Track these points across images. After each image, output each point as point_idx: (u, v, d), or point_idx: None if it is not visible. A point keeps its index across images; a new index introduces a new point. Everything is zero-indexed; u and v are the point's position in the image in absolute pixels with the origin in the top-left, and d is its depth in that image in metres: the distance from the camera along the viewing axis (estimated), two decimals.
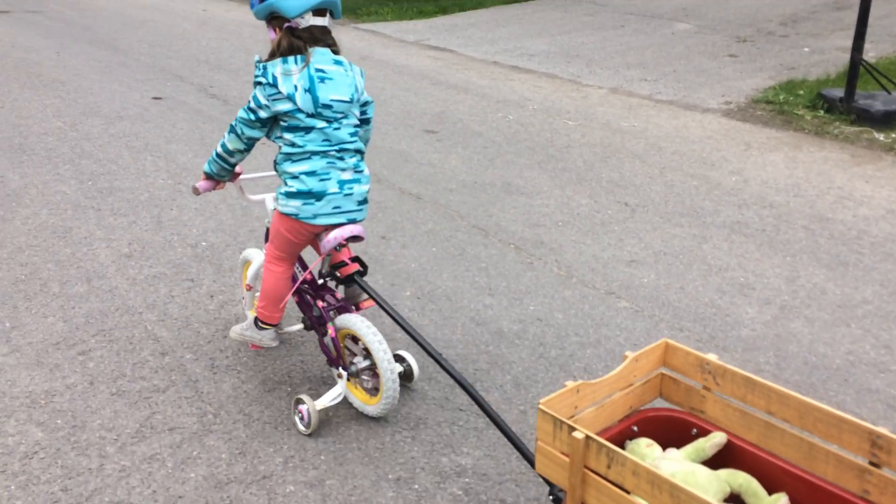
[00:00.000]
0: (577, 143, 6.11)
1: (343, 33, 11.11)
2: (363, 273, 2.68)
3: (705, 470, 1.84)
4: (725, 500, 1.83)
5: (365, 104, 2.72)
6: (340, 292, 2.92)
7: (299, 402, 2.72)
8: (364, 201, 2.66)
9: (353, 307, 2.80)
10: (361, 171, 2.64)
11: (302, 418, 2.72)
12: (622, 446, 2.00)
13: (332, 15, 2.56)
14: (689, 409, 2.09)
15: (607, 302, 3.70)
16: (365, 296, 2.79)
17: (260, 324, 2.86)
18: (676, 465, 1.83)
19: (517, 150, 5.94)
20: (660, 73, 8.44)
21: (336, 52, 2.59)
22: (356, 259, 2.69)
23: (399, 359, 2.95)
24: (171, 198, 4.77)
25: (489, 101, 7.39)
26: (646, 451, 1.92)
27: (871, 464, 1.71)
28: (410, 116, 6.78)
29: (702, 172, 5.48)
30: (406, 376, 2.96)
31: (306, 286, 2.89)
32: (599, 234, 4.47)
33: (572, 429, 1.73)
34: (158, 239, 4.20)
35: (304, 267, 2.91)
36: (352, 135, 2.60)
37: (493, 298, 3.71)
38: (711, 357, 2.01)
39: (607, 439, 1.90)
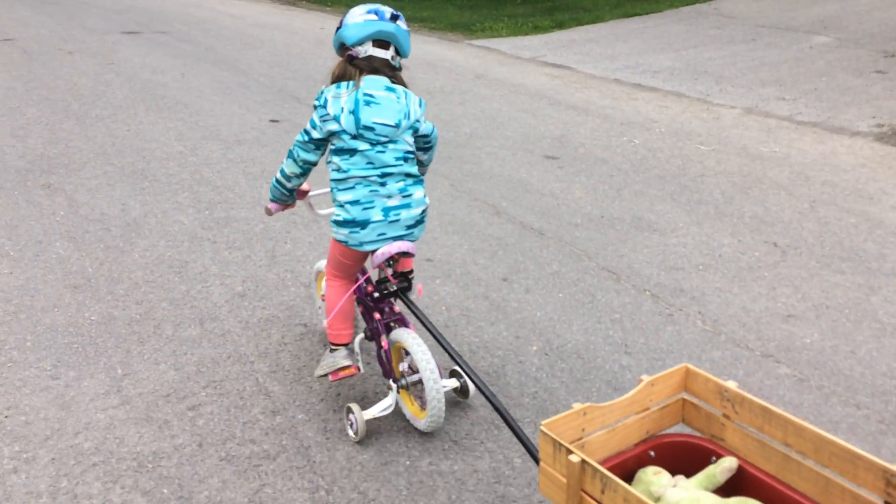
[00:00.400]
0: (713, 172, 5.58)
1: (457, 50, 10.89)
2: (407, 289, 2.77)
3: (712, 497, 1.77)
4: None
5: (424, 135, 2.75)
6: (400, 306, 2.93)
7: (349, 410, 2.76)
8: (415, 224, 2.68)
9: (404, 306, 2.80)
10: (410, 196, 2.64)
11: (351, 425, 2.76)
12: (635, 472, 1.95)
13: (398, 52, 2.67)
14: (709, 437, 2.03)
15: (765, 367, 3.22)
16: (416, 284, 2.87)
17: (331, 346, 2.85)
18: (683, 492, 1.78)
19: (646, 179, 5.48)
20: (799, 91, 7.74)
21: (396, 82, 2.65)
22: (402, 275, 2.78)
23: (456, 374, 2.97)
24: (286, 230, 4.59)
25: (612, 122, 6.94)
26: (653, 478, 1.86)
27: (887, 503, 1.65)
28: (529, 140, 6.42)
29: (859, 207, 4.85)
30: (462, 392, 2.96)
31: (368, 297, 2.92)
32: (747, 280, 3.96)
33: (570, 451, 1.73)
34: (272, 276, 4.01)
35: (367, 279, 2.93)
36: (398, 159, 2.60)
37: (630, 357, 3.29)
38: (731, 384, 1.95)
39: (621, 463, 1.91)
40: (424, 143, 2.78)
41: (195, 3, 16.36)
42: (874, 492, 1.65)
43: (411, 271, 2.86)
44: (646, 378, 2.00)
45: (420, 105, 2.68)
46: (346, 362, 2.79)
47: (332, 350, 2.84)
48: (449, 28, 13.02)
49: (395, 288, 2.73)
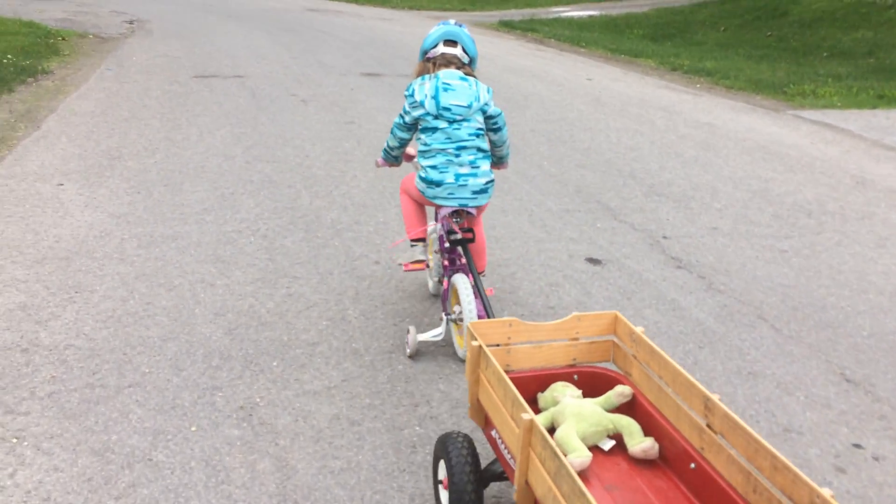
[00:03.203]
0: None
1: (787, 126, 7.66)
2: (470, 240, 3.07)
3: (593, 406, 2.06)
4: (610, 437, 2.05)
5: (492, 116, 3.10)
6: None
7: (408, 331, 3.10)
8: (480, 191, 3.06)
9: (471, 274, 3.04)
10: (477, 167, 3.04)
11: (406, 343, 3.11)
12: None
13: (465, 51, 3.13)
14: (624, 373, 2.25)
15: None
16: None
17: (411, 242, 3.33)
18: (574, 401, 2.08)
19: None
20: None
21: (468, 74, 3.09)
22: (468, 230, 3.09)
23: None
24: None
25: None
26: (560, 388, 2.16)
27: (707, 425, 1.86)
28: None
29: None
30: None
31: (443, 248, 3.22)
32: None
33: (475, 338, 2.09)
34: None
35: (447, 238, 3.13)
36: (470, 135, 3.02)
37: None
38: (638, 329, 2.17)
39: (549, 376, 2.23)
40: (493, 124, 3.12)
41: None
42: (698, 412, 1.89)
43: (481, 272, 3.27)
44: (576, 313, 2.28)
45: (488, 92, 3.08)
46: (421, 257, 3.31)
47: (412, 245, 3.33)
48: (751, 88, 9.76)
49: (460, 237, 3.06)
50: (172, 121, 6.86)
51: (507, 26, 15.98)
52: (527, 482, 1.80)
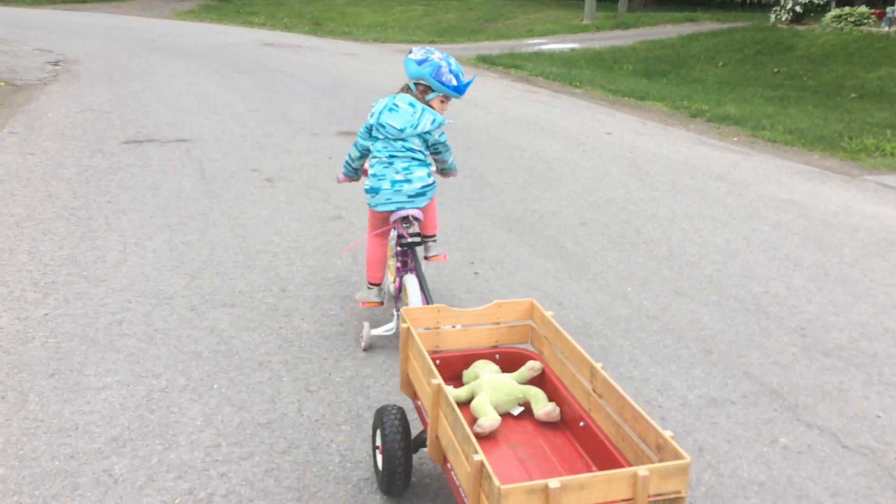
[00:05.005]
0: None
1: (873, 197, 5.92)
2: (417, 244, 3.31)
3: (507, 378, 2.36)
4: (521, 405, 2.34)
5: (433, 144, 3.26)
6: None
7: (363, 326, 3.32)
8: (417, 195, 3.20)
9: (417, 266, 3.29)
10: (411, 173, 3.18)
11: (361, 337, 3.32)
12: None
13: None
14: (539, 352, 2.51)
15: None
16: (434, 252, 3.53)
17: (368, 285, 3.48)
18: (491, 374, 2.38)
19: None
20: None
21: (421, 100, 3.22)
22: (416, 234, 3.31)
23: None
24: None
25: None
26: (482, 364, 2.45)
27: (593, 389, 2.15)
28: None
29: None
30: None
31: (397, 252, 3.37)
32: None
33: (405, 321, 2.34)
34: None
35: (398, 241, 3.33)
36: (404, 149, 3.18)
37: None
38: (549, 314, 2.42)
39: (474, 355, 2.51)
40: (434, 150, 3.30)
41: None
42: (586, 379, 2.18)
43: (433, 236, 3.51)
44: (497, 301, 2.52)
45: (432, 122, 3.18)
46: (375, 298, 3.49)
47: (368, 287, 3.48)
48: (800, 142, 8.06)
49: (410, 241, 3.25)
50: (85, 223, 4.71)
51: (487, 62, 14.12)
52: (437, 437, 2.06)
